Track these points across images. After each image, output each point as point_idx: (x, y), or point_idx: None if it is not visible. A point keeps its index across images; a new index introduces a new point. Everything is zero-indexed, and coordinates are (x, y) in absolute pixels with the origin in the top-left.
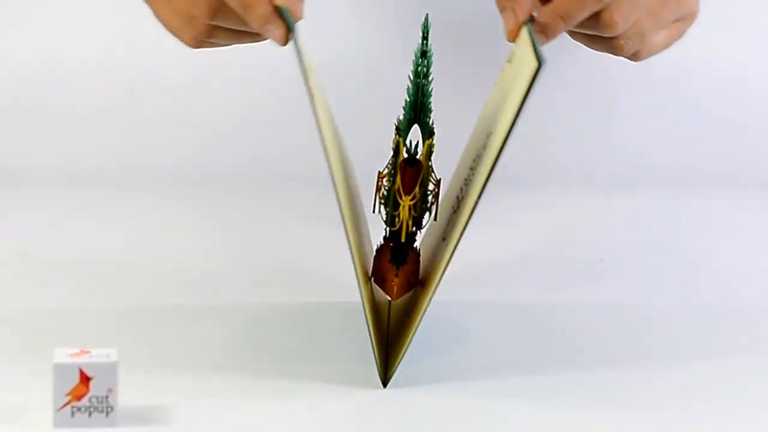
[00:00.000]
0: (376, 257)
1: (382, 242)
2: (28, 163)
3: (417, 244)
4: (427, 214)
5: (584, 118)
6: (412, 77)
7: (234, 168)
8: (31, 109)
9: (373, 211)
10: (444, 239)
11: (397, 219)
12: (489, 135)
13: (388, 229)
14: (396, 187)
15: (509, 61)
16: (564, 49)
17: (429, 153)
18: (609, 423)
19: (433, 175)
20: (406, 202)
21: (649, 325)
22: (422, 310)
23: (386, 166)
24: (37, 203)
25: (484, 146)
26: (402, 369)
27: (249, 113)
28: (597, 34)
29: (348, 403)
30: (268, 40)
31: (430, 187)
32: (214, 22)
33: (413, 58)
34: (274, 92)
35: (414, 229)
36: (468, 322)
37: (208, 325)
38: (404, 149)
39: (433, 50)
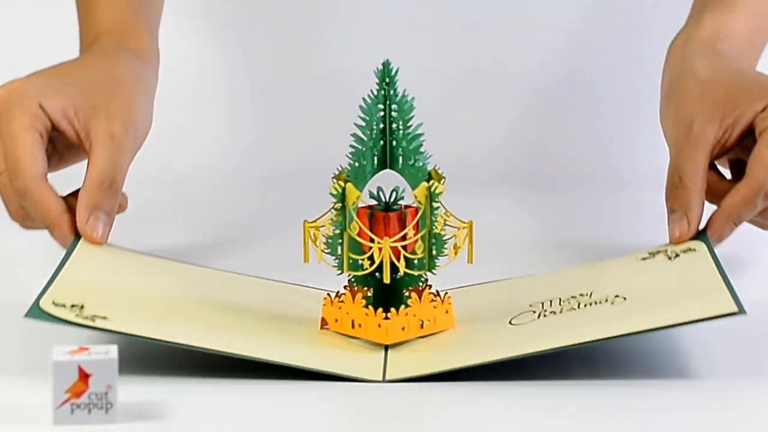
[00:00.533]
0: (337, 304)
1: (345, 289)
2: None
3: (437, 288)
4: (446, 257)
5: (585, 118)
6: (363, 124)
7: (234, 167)
8: None
9: (306, 261)
10: (511, 322)
11: (365, 262)
12: (621, 298)
13: (350, 274)
14: (353, 232)
15: (668, 256)
16: (566, 49)
17: (431, 195)
18: (608, 421)
19: (451, 217)
20: (385, 244)
21: None
22: (463, 363)
23: (330, 213)
24: None
25: (608, 300)
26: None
27: (245, 113)
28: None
29: (348, 399)
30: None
31: (445, 228)
32: (26, 225)
33: (362, 104)
34: (270, 91)
35: (416, 272)
36: None
37: None
38: (356, 195)
39: (411, 95)
